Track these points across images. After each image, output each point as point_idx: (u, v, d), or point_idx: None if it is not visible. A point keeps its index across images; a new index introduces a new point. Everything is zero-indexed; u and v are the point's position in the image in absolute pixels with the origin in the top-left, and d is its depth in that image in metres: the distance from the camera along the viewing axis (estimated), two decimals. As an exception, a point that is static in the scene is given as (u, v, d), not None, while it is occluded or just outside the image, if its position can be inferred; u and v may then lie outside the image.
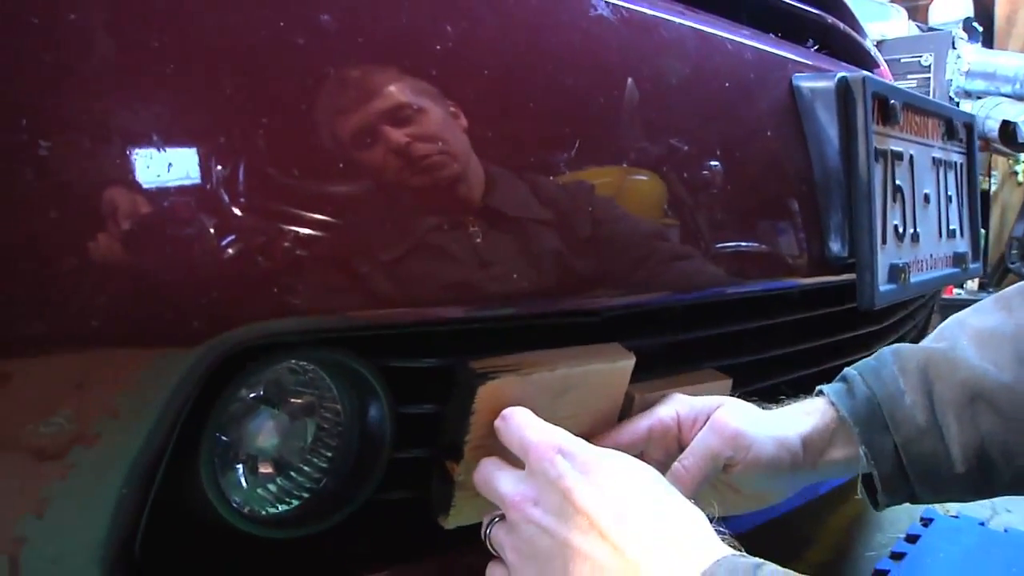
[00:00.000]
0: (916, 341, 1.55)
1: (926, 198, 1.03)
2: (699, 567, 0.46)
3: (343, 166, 0.51)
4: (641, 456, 0.61)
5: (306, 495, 0.61)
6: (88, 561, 0.52)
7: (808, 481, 0.71)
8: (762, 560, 0.46)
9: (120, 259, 0.46)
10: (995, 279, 3.22)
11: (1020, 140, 2.93)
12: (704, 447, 0.65)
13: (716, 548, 0.48)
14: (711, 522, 0.51)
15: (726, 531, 0.50)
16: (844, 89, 0.85)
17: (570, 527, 0.51)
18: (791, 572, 0.45)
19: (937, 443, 0.67)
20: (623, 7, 0.69)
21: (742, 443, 0.66)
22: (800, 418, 0.71)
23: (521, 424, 0.57)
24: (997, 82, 3.09)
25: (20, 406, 0.46)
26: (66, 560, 0.51)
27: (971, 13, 3.51)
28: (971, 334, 0.72)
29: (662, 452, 0.67)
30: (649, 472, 0.54)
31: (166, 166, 0.46)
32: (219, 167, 0.47)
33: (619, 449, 0.57)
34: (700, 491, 0.64)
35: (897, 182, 0.95)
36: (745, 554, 0.47)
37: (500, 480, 0.56)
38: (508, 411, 0.58)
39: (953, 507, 1.67)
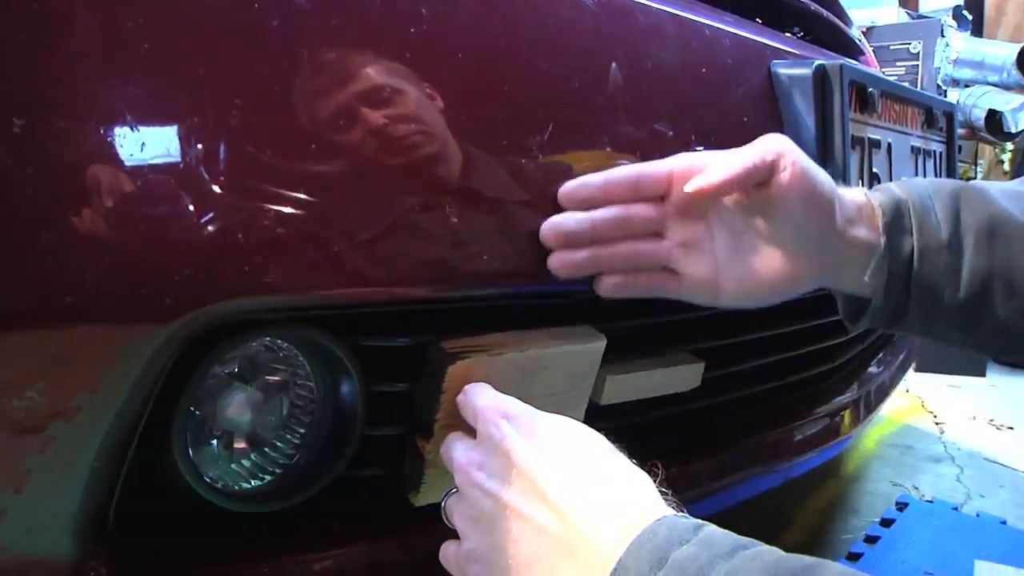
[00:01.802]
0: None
1: (903, 186, 1.04)
2: (640, 527, 0.46)
3: (316, 147, 0.52)
4: None
5: (279, 471, 0.62)
6: (61, 532, 0.53)
7: (829, 252, 0.68)
8: (703, 521, 0.47)
9: (94, 238, 0.46)
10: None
11: (1006, 129, 2.95)
12: (761, 141, 0.65)
13: (658, 509, 0.49)
14: (656, 485, 0.51)
15: (669, 492, 0.51)
16: (822, 76, 0.86)
17: (512, 489, 0.51)
18: (731, 534, 0.46)
19: (952, 259, 0.68)
20: (601, -8, 0.69)
21: (795, 156, 0.65)
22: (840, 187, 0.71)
23: (475, 394, 0.58)
24: (985, 71, 3.10)
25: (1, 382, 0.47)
26: (40, 532, 0.52)
27: (961, 1, 3.52)
28: (999, 188, 0.73)
29: None
30: (593, 435, 0.54)
31: (139, 146, 0.47)
32: (192, 149, 0.48)
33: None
34: (738, 188, 0.64)
35: (874, 169, 0.96)
36: (687, 515, 0.48)
37: (455, 447, 0.57)
38: (468, 386, 0.59)
39: (928, 492, 1.69)
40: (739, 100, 0.83)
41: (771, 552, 0.44)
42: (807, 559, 0.43)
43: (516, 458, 0.52)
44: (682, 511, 0.49)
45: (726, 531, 0.46)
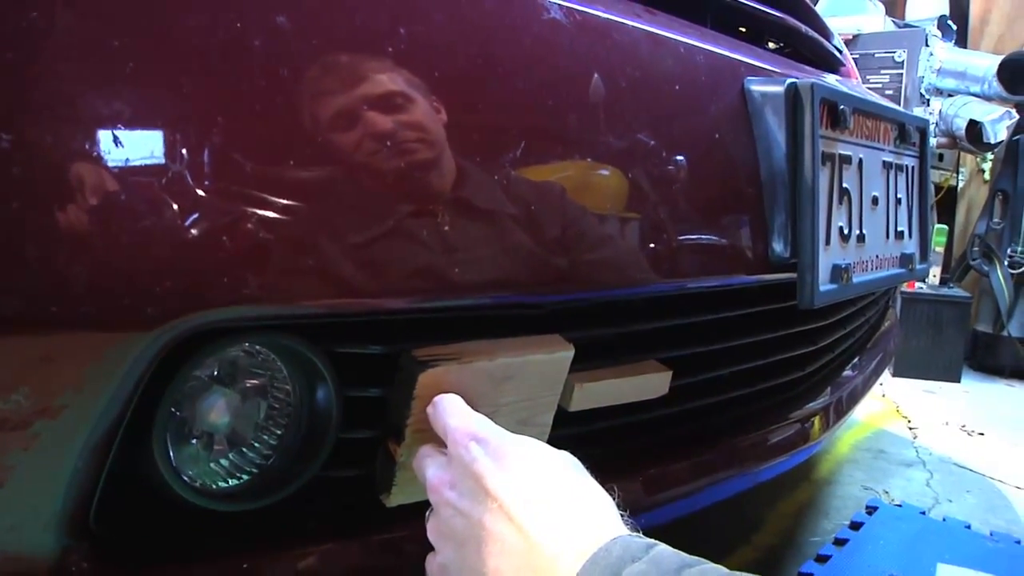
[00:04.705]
0: (868, 337, 1.60)
1: (874, 200, 1.07)
2: (597, 545, 0.50)
3: (293, 163, 0.54)
4: None
5: (256, 471, 0.64)
6: (43, 529, 0.54)
7: None
8: (655, 541, 0.50)
9: (78, 248, 0.48)
10: (956, 274, 3.28)
11: (986, 140, 2.98)
12: None
13: (614, 528, 0.52)
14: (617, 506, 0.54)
15: (627, 513, 0.54)
16: (793, 94, 0.88)
17: (481, 510, 0.54)
18: (680, 553, 0.49)
19: None
20: (577, 11, 0.71)
21: None
22: None
23: (445, 410, 0.60)
24: (967, 81, 3.13)
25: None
26: (22, 528, 0.54)
27: (947, 11, 3.55)
28: None
29: None
30: (560, 458, 0.57)
31: (123, 160, 0.49)
32: (171, 168, 0.50)
33: None
34: None
35: (844, 185, 0.98)
36: (641, 535, 0.51)
37: (427, 465, 0.60)
38: (437, 398, 0.61)
39: (897, 496, 1.73)
40: (712, 117, 0.85)
41: (715, 570, 0.47)
42: None
43: (485, 480, 0.55)
44: (637, 531, 0.52)
45: (676, 550, 0.50)
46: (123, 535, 0.60)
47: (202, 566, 0.61)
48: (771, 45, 1.28)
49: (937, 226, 3.02)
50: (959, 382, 2.97)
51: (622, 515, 0.54)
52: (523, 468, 0.55)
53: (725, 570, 0.47)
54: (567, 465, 0.57)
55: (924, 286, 3.00)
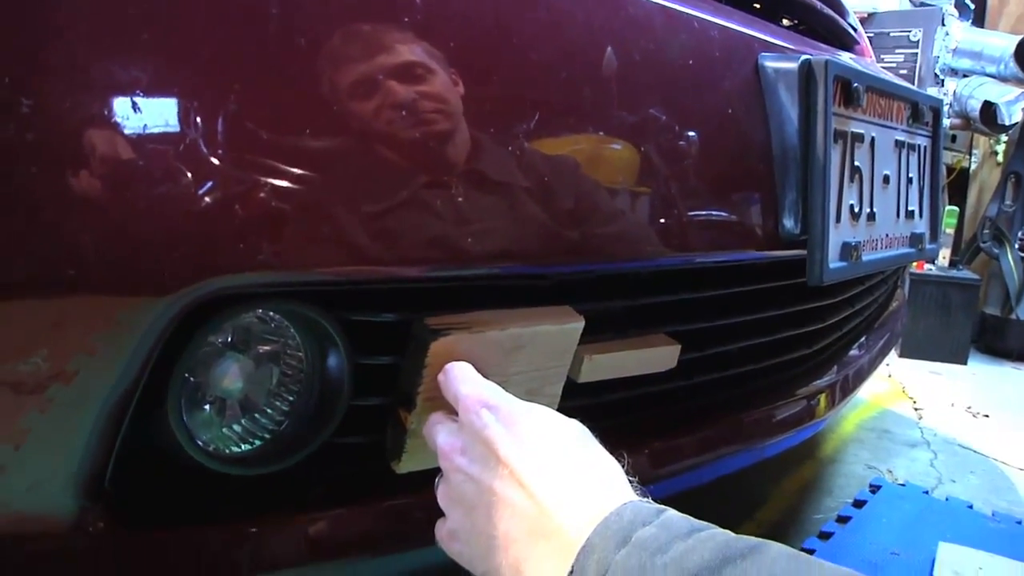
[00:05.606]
0: (876, 316, 1.61)
1: (885, 179, 1.07)
2: (607, 510, 0.50)
3: (309, 132, 0.54)
4: None
5: (268, 436, 0.65)
6: (61, 490, 0.55)
7: None
8: (664, 506, 0.51)
9: (95, 215, 0.49)
10: (966, 256, 3.27)
11: (1000, 121, 2.95)
12: None
13: (624, 494, 0.53)
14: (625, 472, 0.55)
15: (636, 479, 0.54)
16: (807, 71, 0.88)
17: (492, 475, 0.55)
18: (689, 518, 0.50)
19: None
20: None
21: None
22: None
23: (456, 378, 0.61)
24: (983, 62, 3.10)
25: (3, 345, 0.50)
26: (40, 489, 0.55)
27: (964, -10, 3.51)
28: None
29: None
30: (570, 425, 0.58)
31: (141, 127, 0.49)
32: (188, 133, 0.50)
33: None
34: None
35: (856, 163, 0.98)
36: (650, 501, 0.52)
37: (438, 432, 0.60)
38: (449, 366, 0.62)
39: (901, 475, 1.74)
40: (725, 92, 0.84)
41: (723, 534, 0.48)
42: (754, 540, 0.47)
43: (496, 446, 0.56)
44: (646, 497, 0.53)
45: (685, 515, 0.50)
46: (138, 498, 0.61)
47: (214, 529, 0.62)
48: (785, 22, 1.27)
49: (948, 208, 3.00)
50: (966, 364, 2.98)
51: (631, 481, 0.54)
52: (534, 435, 0.56)
53: (731, 534, 0.48)
54: (577, 432, 0.57)
55: (933, 267, 2.99)
